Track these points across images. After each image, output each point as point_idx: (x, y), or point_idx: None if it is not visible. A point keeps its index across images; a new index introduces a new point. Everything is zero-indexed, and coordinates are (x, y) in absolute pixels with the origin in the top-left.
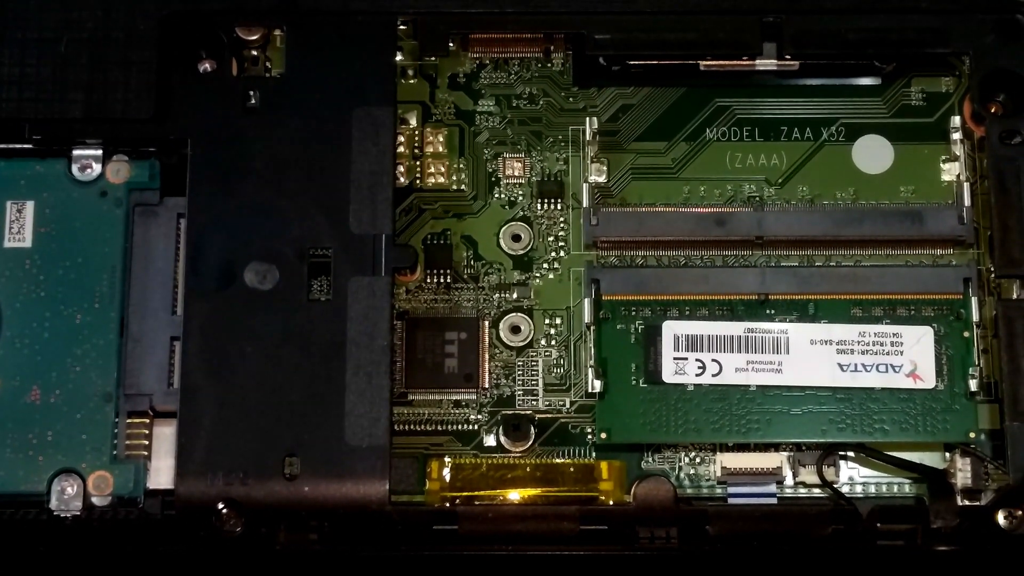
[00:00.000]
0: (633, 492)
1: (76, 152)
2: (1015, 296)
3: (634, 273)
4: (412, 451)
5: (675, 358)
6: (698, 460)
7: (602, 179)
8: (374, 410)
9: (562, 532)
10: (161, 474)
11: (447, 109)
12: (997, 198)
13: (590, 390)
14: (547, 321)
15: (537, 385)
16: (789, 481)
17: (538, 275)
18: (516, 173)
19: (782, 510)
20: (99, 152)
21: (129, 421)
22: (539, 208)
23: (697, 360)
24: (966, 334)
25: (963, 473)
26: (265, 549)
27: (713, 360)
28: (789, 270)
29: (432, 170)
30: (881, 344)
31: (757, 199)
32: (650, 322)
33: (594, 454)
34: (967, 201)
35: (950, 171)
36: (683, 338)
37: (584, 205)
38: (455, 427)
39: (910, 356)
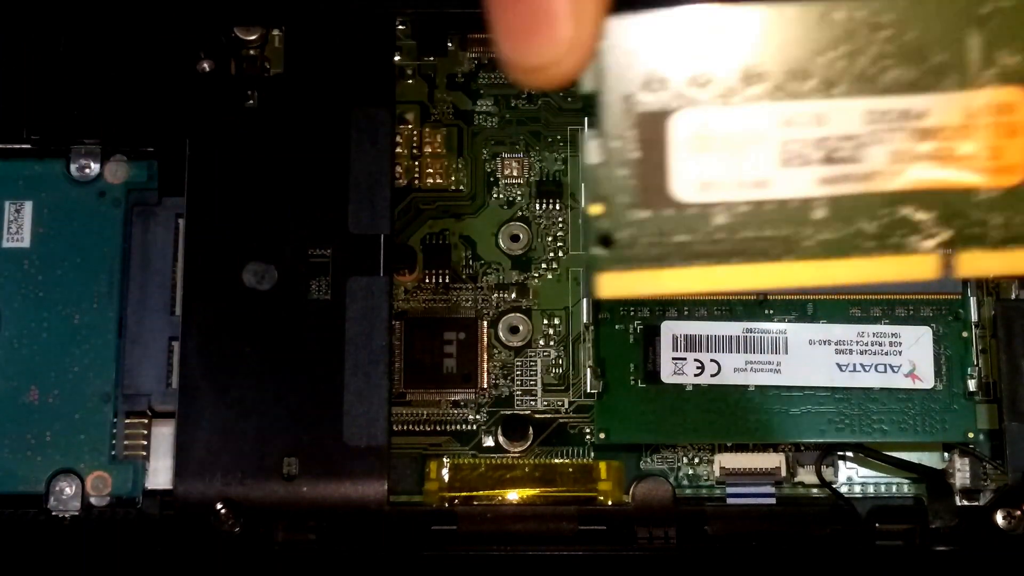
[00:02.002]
0: (632, 492)
1: (74, 152)
2: (1014, 296)
3: None
4: (411, 451)
5: (674, 358)
6: (696, 460)
7: None
8: (372, 410)
9: (561, 532)
10: (159, 474)
11: (446, 109)
12: None
13: (589, 390)
14: (546, 321)
15: (536, 385)
16: (788, 481)
17: (537, 275)
18: (515, 173)
19: (781, 510)
20: (97, 152)
21: (127, 421)
22: (538, 208)
23: (696, 360)
24: (964, 334)
25: (962, 473)
26: (263, 549)
27: (712, 360)
28: None
29: (431, 170)
30: (880, 344)
31: None
32: (648, 322)
33: (593, 454)
34: None
35: None
36: (682, 338)
37: (583, 205)
38: (454, 427)
39: (909, 356)
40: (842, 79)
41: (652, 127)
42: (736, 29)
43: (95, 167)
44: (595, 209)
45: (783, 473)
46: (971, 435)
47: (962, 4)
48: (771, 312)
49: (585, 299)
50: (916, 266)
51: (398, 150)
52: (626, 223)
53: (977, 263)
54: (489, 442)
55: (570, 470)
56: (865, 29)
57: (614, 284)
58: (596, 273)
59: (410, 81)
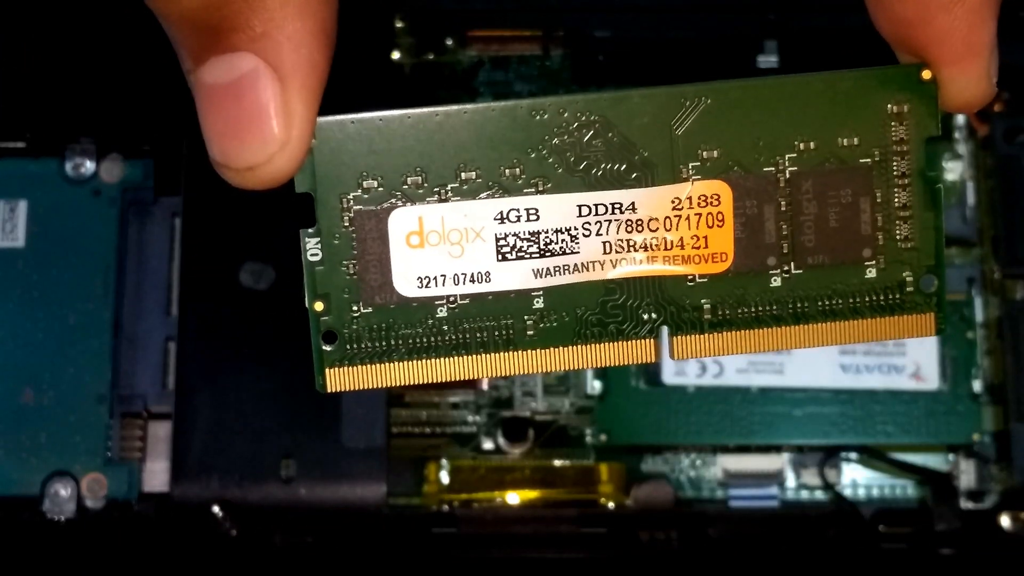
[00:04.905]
0: (633, 494)
1: (69, 151)
2: (1019, 296)
3: None
4: (410, 453)
5: (675, 359)
6: (699, 462)
7: None
8: (371, 412)
9: (561, 535)
10: (156, 476)
11: None
12: (1002, 197)
13: (590, 392)
14: None
15: (536, 387)
16: (791, 483)
17: None
18: None
19: (784, 513)
20: (93, 151)
21: (123, 422)
22: None
23: (698, 361)
24: (970, 335)
25: (967, 475)
26: (261, 552)
27: (714, 361)
28: None
29: None
30: (884, 345)
31: None
32: None
33: (593, 456)
34: (971, 200)
35: (954, 170)
36: None
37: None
38: (453, 429)
39: (913, 357)
40: (552, 174)
41: (370, 225)
42: (447, 128)
43: (90, 166)
44: (319, 306)
45: (786, 475)
46: (976, 437)
47: (662, 100)
48: None
49: None
50: (634, 351)
51: None
52: (349, 319)
53: (690, 346)
54: (489, 444)
55: (571, 472)
56: (571, 126)
57: (342, 379)
58: (324, 368)
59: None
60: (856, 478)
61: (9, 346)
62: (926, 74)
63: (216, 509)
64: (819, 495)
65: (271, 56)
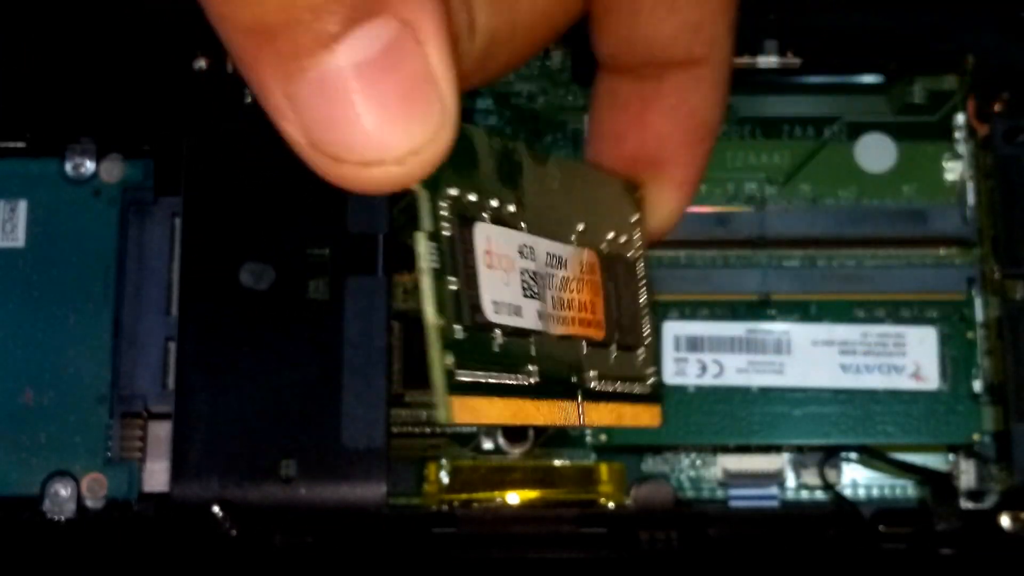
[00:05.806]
0: (633, 494)
1: (69, 151)
2: (1019, 296)
3: None
4: (410, 453)
5: (676, 359)
6: (699, 462)
7: None
8: (371, 412)
9: (561, 535)
10: (155, 476)
11: None
12: (1002, 197)
13: None
14: None
15: None
16: (791, 483)
17: None
18: None
19: (784, 513)
20: (93, 151)
21: (123, 423)
22: None
23: (698, 361)
24: (970, 335)
25: (967, 475)
26: (261, 552)
27: (714, 361)
28: (791, 270)
29: None
30: (884, 345)
31: (759, 198)
32: None
33: (593, 456)
34: (971, 200)
35: (953, 170)
36: (683, 339)
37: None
38: (453, 429)
39: (913, 357)
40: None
41: (466, 235)
42: (482, 150)
43: (90, 166)
44: (440, 319)
45: (786, 475)
46: (976, 437)
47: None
48: (774, 312)
49: None
50: (565, 414)
51: None
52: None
53: (593, 414)
54: (488, 444)
55: (571, 472)
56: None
57: (468, 409)
58: (449, 395)
59: None
60: (856, 478)
61: (9, 346)
62: (639, 194)
63: (216, 509)
64: (819, 495)
65: (414, 14)
